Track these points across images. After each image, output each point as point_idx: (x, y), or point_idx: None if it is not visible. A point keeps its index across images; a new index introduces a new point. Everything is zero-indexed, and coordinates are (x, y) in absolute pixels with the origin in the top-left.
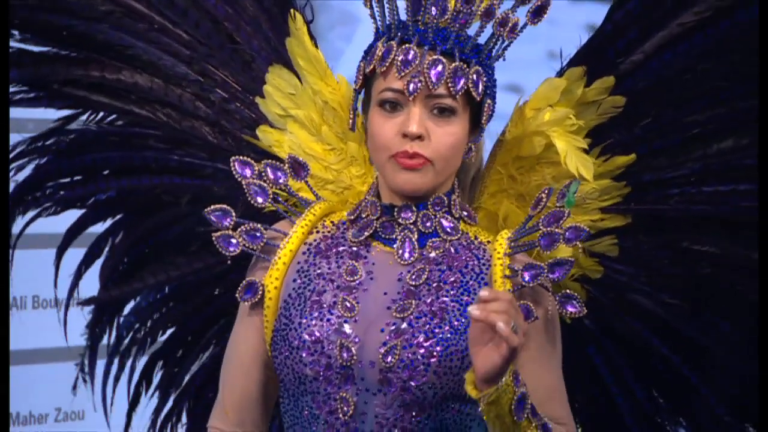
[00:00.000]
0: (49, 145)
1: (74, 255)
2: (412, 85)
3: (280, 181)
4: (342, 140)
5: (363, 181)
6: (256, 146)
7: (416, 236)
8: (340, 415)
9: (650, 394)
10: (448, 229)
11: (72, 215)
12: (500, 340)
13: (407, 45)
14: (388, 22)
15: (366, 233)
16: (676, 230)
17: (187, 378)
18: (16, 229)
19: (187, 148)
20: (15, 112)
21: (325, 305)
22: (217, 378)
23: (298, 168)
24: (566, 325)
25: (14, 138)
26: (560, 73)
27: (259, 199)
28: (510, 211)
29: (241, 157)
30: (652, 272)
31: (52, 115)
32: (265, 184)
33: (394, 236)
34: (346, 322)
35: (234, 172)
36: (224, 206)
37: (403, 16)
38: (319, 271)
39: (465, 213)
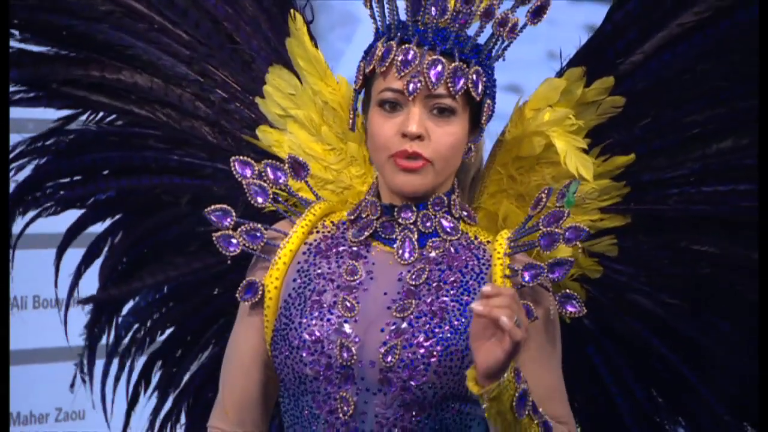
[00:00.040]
0: (48, 145)
1: (75, 255)
2: (411, 85)
3: (280, 181)
4: (342, 140)
5: (363, 181)
6: (255, 146)
7: (416, 236)
8: (340, 415)
9: (649, 394)
10: (448, 229)
11: (72, 215)
12: (503, 335)
13: (407, 45)
14: (387, 23)
15: (366, 233)
16: (675, 230)
17: (186, 378)
18: (16, 229)
19: (187, 148)
20: (15, 112)
21: (325, 305)
22: (216, 378)
23: (298, 168)
24: (565, 324)
25: (15, 138)
26: (560, 74)
27: (260, 199)
28: (510, 211)
29: (241, 157)
30: (651, 272)
31: (52, 115)
32: (266, 184)
33: (394, 236)
34: (346, 321)
35: (234, 172)
36: (224, 206)
37: (403, 17)
38: (319, 271)
39: (465, 213)
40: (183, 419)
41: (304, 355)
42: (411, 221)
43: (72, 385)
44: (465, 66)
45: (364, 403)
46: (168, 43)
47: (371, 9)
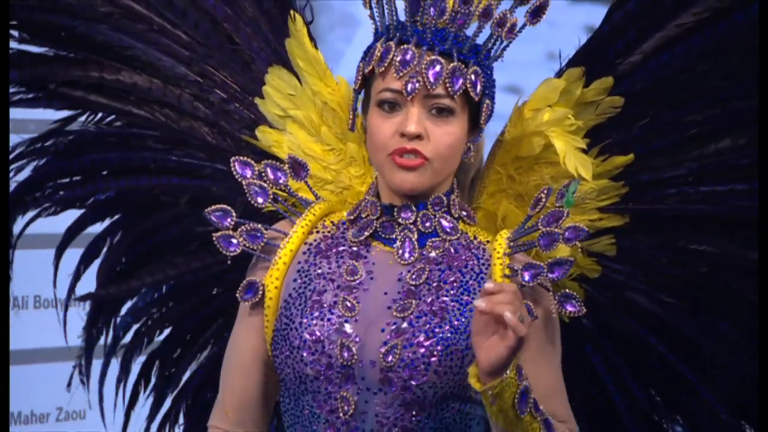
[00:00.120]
0: (48, 146)
1: (75, 255)
2: (410, 86)
3: (280, 181)
4: (341, 141)
5: (362, 181)
6: (255, 147)
7: (416, 236)
8: (341, 414)
9: (648, 393)
10: (448, 229)
11: (71, 215)
12: (506, 332)
13: (406, 45)
14: (387, 23)
15: (366, 233)
16: (673, 230)
17: (185, 378)
18: (16, 229)
19: (186, 148)
20: (16, 113)
21: (325, 305)
22: (214, 378)
23: (298, 168)
24: (564, 324)
25: (16, 139)
26: (559, 74)
27: (260, 200)
28: (509, 211)
29: (241, 158)
30: (649, 271)
31: (53, 115)
32: (266, 185)
33: (393, 236)
34: (346, 321)
35: (234, 173)
36: (224, 206)
37: (402, 17)
38: (319, 271)
39: (464, 213)
40: (181, 419)
41: (304, 354)
42: (411, 221)
43: (69, 385)
44: (463, 66)
45: (365, 403)
46: (167, 43)
47: (370, 9)
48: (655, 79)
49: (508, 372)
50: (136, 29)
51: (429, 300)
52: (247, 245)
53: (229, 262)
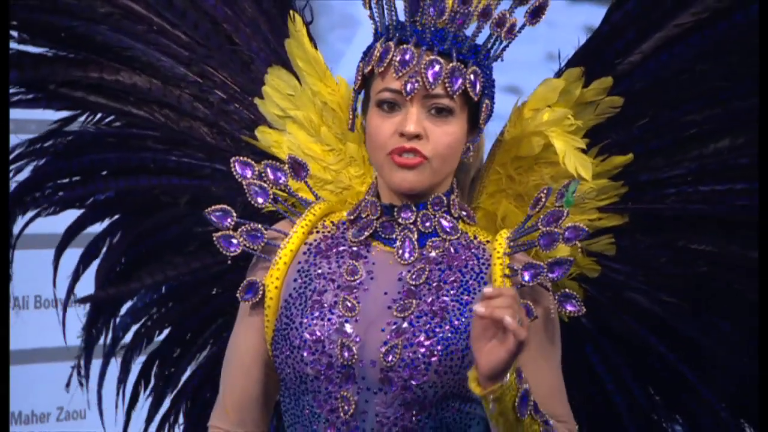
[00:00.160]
0: (47, 147)
1: (75, 255)
2: (409, 86)
3: (280, 181)
4: (341, 141)
5: (362, 181)
6: (254, 147)
7: (416, 236)
8: (341, 414)
9: (647, 393)
10: (448, 229)
11: (71, 215)
12: (505, 336)
13: (405, 45)
14: (386, 23)
15: (366, 233)
16: (673, 229)
17: (184, 378)
18: (16, 229)
19: (186, 148)
20: (16, 113)
21: (326, 305)
22: (214, 378)
23: (298, 168)
24: (563, 323)
25: (16, 139)
26: (559, 74)
27: (260, 200)
28: (508, 211)
29: (241, 158)
30: (649, 271)
31: (53, 116)
32: (266, 185)
33: (393, 236)
34: (347, 321)
35: (234, 173)
36: (225, 207)
37: (402, 17)
38: (319, 271)
39: (464, 213)
40: (181, 419)
41: (305, 354)
42: (411, 221)
43: (68, 385)
44: (463, 66)
45: (365, 403)
46: (167, 44)
47: (370, 10)
48: (654, 79)
49: (508, 375)
50: (135, 30)
51: (429, 300)
52: (248, 245)
53: (229, 262)
